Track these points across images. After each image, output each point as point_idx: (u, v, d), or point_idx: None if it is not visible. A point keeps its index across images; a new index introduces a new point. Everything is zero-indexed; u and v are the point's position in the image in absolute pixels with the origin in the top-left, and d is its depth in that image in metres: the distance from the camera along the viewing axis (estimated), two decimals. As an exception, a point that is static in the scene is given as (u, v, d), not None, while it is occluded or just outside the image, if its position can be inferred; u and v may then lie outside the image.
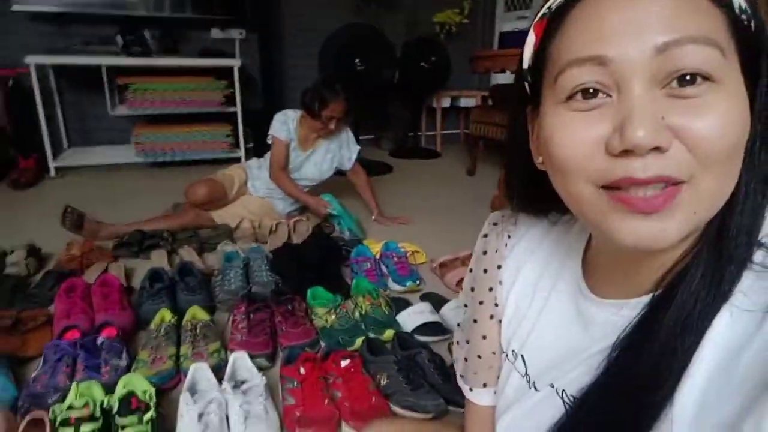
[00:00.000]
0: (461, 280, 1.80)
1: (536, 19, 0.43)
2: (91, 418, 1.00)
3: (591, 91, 0.38)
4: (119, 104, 3.58)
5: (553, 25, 0.41)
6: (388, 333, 1.45)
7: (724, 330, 0.37)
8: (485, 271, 0.61)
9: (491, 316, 0.61)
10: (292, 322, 1.46)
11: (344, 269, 1.95)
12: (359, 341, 1.41)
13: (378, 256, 1.97)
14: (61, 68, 3.41)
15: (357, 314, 1.58)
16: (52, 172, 3.26)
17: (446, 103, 4.58)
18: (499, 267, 0.60)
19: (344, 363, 1.22)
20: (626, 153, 0.36)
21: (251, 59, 3.81)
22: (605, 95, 0.38)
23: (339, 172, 2.61)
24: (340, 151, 2.54)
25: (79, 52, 3.27)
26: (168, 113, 3.43)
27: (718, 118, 0.35)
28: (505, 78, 3.64)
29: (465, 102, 4.62)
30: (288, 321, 1.46)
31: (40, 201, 2.83)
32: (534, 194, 0.52)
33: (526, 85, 0.46)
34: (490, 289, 0.60)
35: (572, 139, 0.39)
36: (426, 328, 1.50)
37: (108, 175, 3.38)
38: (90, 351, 1.27)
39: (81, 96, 3.62)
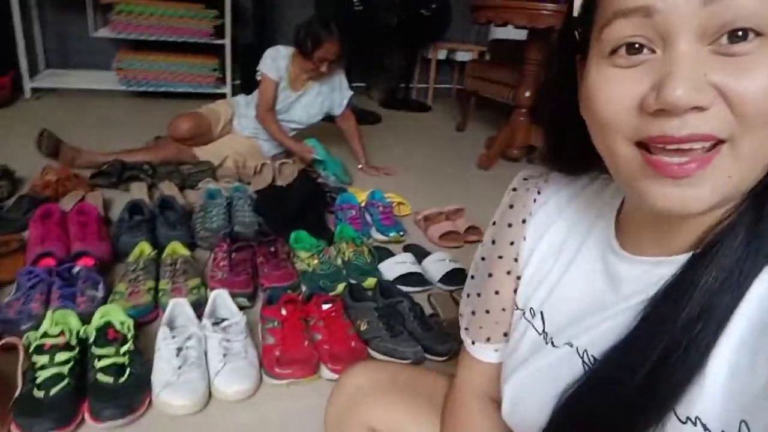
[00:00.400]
0: (444, 233, 1.81)
1: None
2: (67, 346, 0.99)
3: (636, 46, 0.36)
4: (102, 26, 3.40)
5: None
6: (370, 281, 1.45)
7: (765, 292, 0.37)
8: (510, 224, 0.59)
9: (508, 272, 0.59)
10: (274, 264, 1.45)
11: (328, 216, 1.93)
12: (341, 287, 1.41)
13: (363, 205, 1.95)
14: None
15: (339, 260, 1.57)
16: (28, 93, 3.12)
17: (442, 55, 4.45)
18: (524, 222, 0.58)
19: (326, 307, 1.22)
20: (663, 111, 0.35)
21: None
22: (650, 51, 0.36)
23: (327, 118, 2.54)
24: (332, 94, 2.45)
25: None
26: (153, 40, 3.27)
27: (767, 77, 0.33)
28: (506, 32, 3.53)
29: (461, 56, 4.50)
30: (270, 262, 1.45)
31: (15, 122, 2.72)
32: (573, 150, 0.49)
33: (576, 33, 0.44)
34: (512, 243, 0.59)
35: (612, 95, 0.38)
36: (407, 278, 1.50)
37: (87, 101, 3.24)
38: (66, 279, 1.25)
39: (61, 14, 3.41)
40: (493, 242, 0.61)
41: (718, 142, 0.35)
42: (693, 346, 0.37)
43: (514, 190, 0.61)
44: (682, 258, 0.42)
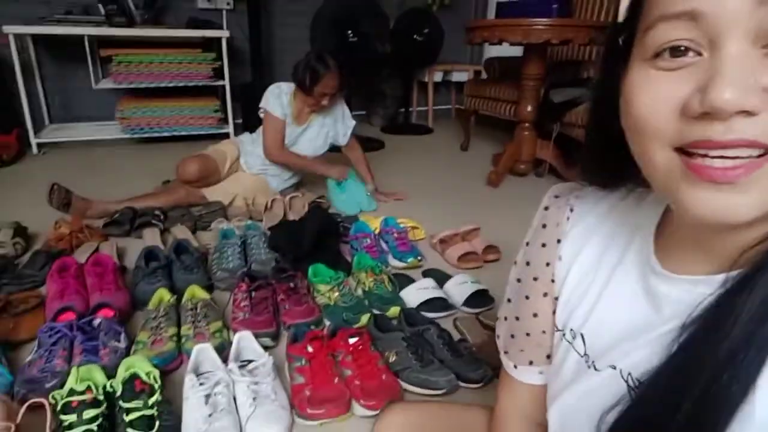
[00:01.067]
0: (462, 255, 1.79)
1: None
2: (94, 402, 0.96)
3: (682, 48, 0.35)
4: (103, 78, 3.46)
5: None
6: (394, 310, 1.43)
7: None
8: (543, 245, 0.57)
9: (545, 294, 0.58)
10: (295, 300, 1.43)
11: (343, 246, 1.91)
12: (365, 318, 1.38)
13: (377, 232, 1.93)
14: (42, 39, 3.27)
15: (360, 291, 1.55)
16: (35, 149, 3.15)
17: (438, 77, 4.50)
18: (559, 241, 0.56)
19: (352, 340, 1.19)
20: (707, 115, 0.33)
21: (240, 30, 3.69)
22: (696, 54, 0.34)
23: (333, 148, 2.55)
24: (335, 125, 2.47)
25: (61, 21, 3.12)
26: (154, 87, 3.32)
27: None
28: (501, 50, 3.57)
29: (457, 76, 4.55)
30: (291, 299, 1.43)
31: (24, 178, 2.74)
32: (612, 162, 0.48)
33: (620, 40, 0.42)
34: (547, 264, 0.57)
35: (652, 98, 0.36)
36: (431, 304, 1.48)
37: (93, 152, 3.27)
38: (87, 333, 1.23)
39: (63, 69, 3.47)
40: (528, 264, 0.59)
41: (766, 152, 0.33)
42: (737, 376, 0.35)
43: (546, 209, 0.59)
44: (724, 278, 0.39)
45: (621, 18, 0.42)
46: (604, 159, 0.50)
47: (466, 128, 3.65)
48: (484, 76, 3.89)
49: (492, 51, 4.29)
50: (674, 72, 0.35)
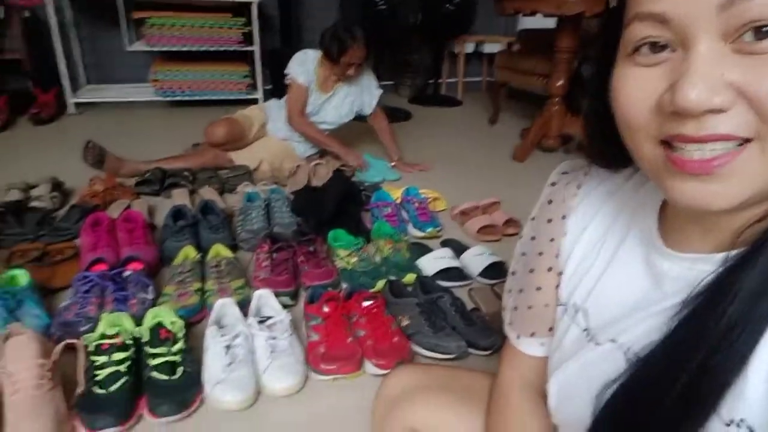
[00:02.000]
0: (482, 227, 1.80)
1: None
2: (123, 346, 1.03)
3: (658, 44, 0.36)
4: (136, 40, 3.51)
5: None
6: (410, 277, 1.46)
7: None
8: (549, 220, 0.58)
9: (549, 268, 0.59)
10: (315, 263, 1.47)
11: (364, 214, 1.94)
12: (380, 283, 1.42)
13: (399, 202, 1.96)
14: (78, 0, 3.33)
15: (378, 258, 1.58)
16: (71, 108, 3.25)
17: (470, 48, 4.41)
18: (564, 217, 0.57)
19: (367, 303, 1.23)
20: (679, 113, 0.34)
21: (270, -4, 3.68)
22: (671, 50, 0.36)
23: (358, 117, 2.56)
24: (362, 95, 2.47)
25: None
26: (185, 51, 3.36)
27: None
28: (535, 22, 3.47)
29: (489, 48, 4.45)
30: (310, 261, 1.47)
31: (61, 136, 2.84)
32: (613, 145, 0.48)
33: (609, 33, 0.44)
34: (552, 240, 0.58)
35: (633, 94, 0.38)
36: (447, 273, 1.50)
37: (127, 113, 3.35)
38: (118, 283, 1.30)
39: (98, 30, 3.54)
40: (533, 238, 0.61)
41: (746, 141, 0.34)
42: (732, 351, 0.36)
43: (553, 184, 0.60)
44: (725, 255, 0.40)
45: (612, 3, 0.43)
46: (606, 142, 0.50)
47: (495, 101, 3.59)
48: (516, 48, 3.81)
49: (525, 23, 4.18)
50: (652, 68, 0.37)
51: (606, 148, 0.51)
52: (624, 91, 0.39)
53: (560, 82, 2.67)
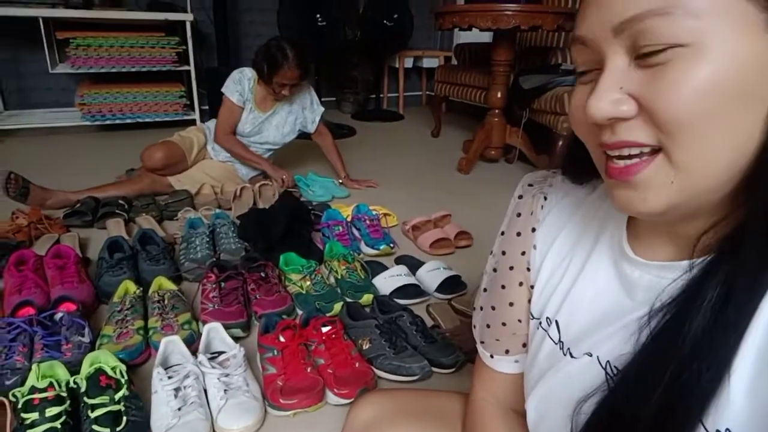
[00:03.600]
0: (435, 241, 1.79)
1: None
2: (57, 399, 0.93)
3: (583, 71, 0.41)
4: (60, 62, 3.31)
5: None
6: (367, 297, 1.42)
7: None
8: (518, 234, 0.57)
9: (521, 283, 0.58)
10: (266, 290, 1.40)
11: (315, 234, 1.89)
12: (338, 306, 1.37)
13: (349, 220, 1.92)
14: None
15: (332, 279, 1.54)
16: (-12, 137, 3.01)
17: (409, 63, 4.48)
18: (534, 230, 0.56)
19: (325, 329, 1.18)
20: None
21: (204, 13, 3.58)
22: (598, 70, 0.39)
23: (303, 135, 2.51)
24: (303, 112, 2.42)
25: (14, 2, 2.96)
26: (115, 72, 3.20)
27: (683, 83, 0.33)
28: (472, 36, 3.57)
29: (428, 62, 4.53)
30: (261, 288, 1.41)
31: (-23, 168, 2.61)
32: (583, 159, 0.48)
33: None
34: (523, 253, 0.57)
35: (573, 111, 0.43)
36: (404, 291, 1.48)
37: (52, 140, 3.15)
38: (48, 328, 1.18)
39: (18, 53, 3.31)
40: (503, 253, 0.60)
41: (657, 150, 0.36)
42: (705, 363, 0.35)
43: (520, 197, 0.59)
44: (693, 262, 0.40)
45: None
46: (578, 157, 0.50)
47: (437, 115, 3.64)
48: (454, 62, 3.89)
49: (462, 37, 4.29)
50: (586, 85, 0.41)
51: (577, 162, 0.51)
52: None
53: (499, 95, 2.73)
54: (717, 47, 0.33)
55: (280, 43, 2.16)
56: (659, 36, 0.33)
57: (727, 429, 0.35)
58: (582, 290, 0.51)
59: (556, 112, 2.49)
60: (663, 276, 0.42)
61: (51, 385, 0.94)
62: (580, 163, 0.50)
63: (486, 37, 2.92)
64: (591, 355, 0.47)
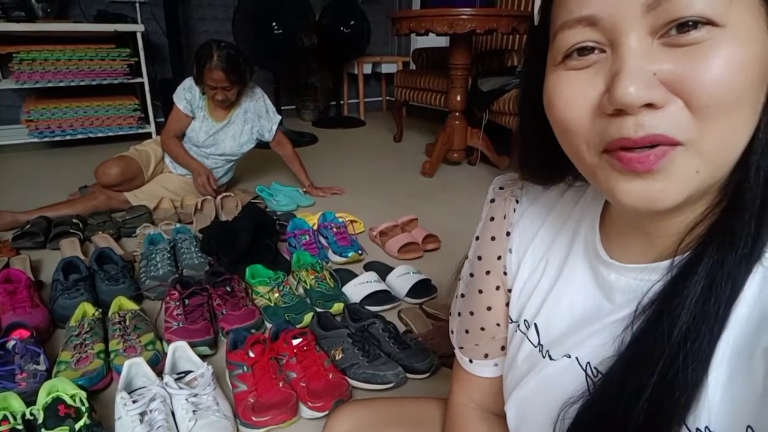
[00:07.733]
0: (403, 246, 1.79)
1: None
2: (12, 433, 0.87)
3: (588, 47, 0.36)
4: (3, 78, 3.16)
5: None
6: (337, 306, 1.40)
7: (756, 292, 0.35)
8: (493, 238, 0.57)
9: (498, 287, 0.57)
10: (233, 304, 1.37)
11: (281, 245, 1.86)
12: (308, 317, 1.35)
13: (315, 228, 1.90)
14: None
15: (301, 290, 1.52)
16: (-74, 159, 2.84)
17: (368, 69, 4.48)
18: (508, 234, 0.56)
19: (296, 341, 1.16)
20: (619, 111, 0.34)
21: (156, 24, 3.49)
22: (600, 51, 0.36)
23: (263, 144, 2.46)
24: (260, 121, 2.35)
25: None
26: (63, 86, 3.07)
27: (720, 63, 0.32)
28: (428, 41, 3.61)
29: (386, 68, 4.55)
30: (228, 303, 1.37)
31: None
32: (545, 160, 0.48)
33: (536, 45, 0.43)
34: (499, 258, 0.56)
35: (569, 99, 0.38)
36: (374, 297, 1.46)
37: (-3, 159, 2.99)
38: (0, 357, 1.11)
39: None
40: (479, 258, 0.59)
41: (677, 144, 0.34)
42: (691, 359, 0.36)
43: (492, 201, 0.59)
44: (669, 263, 0.40)
45: (536, 22, 0.43)
46: (539, 158, 0.49)
47: (398, 119, 3.65)
48: (412, 67, 3.92)
49: (419, 42, 4.33)
50: (584, 71, 0.37)
51: (538, 165, 0.50)
52: (560, 96, 0.38)
53: (458, 98, 2.77)
54: (745, 27, 0.32)
55: (209, 44, 2.10)
56: (697, 11, 0.32)
57: (706, 427, 0.35)
58: (560, 293, 0.50)
59: (515, 113, 2.54)
60: (640, 278, 0.42)
61: (5, 418, 0.89)
62: (543, 167, 0.49)
63: (443, 41, 2.96)
64: (570, 357, 0.47)
